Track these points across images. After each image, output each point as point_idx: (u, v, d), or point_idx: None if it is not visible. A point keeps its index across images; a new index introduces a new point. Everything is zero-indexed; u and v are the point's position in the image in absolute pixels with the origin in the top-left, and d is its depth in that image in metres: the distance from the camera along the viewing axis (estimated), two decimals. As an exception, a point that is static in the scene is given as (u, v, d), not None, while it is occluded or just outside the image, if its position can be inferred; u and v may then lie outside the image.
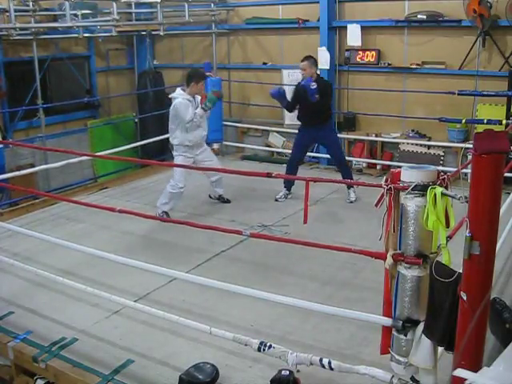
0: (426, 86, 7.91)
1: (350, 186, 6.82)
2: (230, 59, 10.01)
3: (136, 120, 10.31)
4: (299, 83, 6.68)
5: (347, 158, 8.46)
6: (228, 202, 6.87)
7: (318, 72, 6.88)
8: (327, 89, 6.60)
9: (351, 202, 6.77)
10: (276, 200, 6.87)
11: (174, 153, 6.42)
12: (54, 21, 8.76)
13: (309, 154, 7.81)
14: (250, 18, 9.49)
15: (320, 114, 6.64)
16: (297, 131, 7.10)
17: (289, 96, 6.86)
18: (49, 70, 9.15)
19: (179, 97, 6.15)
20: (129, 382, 3.39)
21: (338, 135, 8.59)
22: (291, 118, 8.12)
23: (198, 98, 6.27)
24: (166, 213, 6.25)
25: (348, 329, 3.85)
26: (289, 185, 6.95)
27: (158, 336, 3.85)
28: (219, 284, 3.51)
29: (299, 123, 6.98)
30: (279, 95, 6.71)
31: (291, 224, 5.97)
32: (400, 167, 2.69)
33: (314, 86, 6.28)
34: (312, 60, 6.60)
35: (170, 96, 6.38)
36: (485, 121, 6.91)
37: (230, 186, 7.01)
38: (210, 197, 6.97)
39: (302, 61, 6.58)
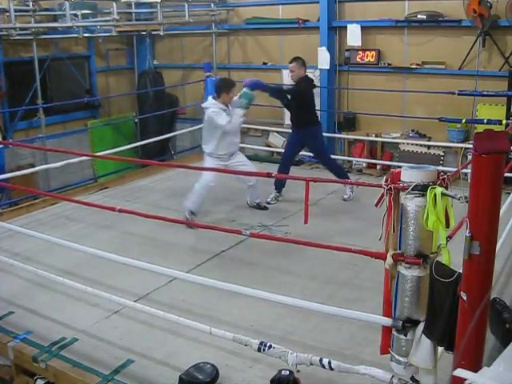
0: (426, 86, 7.91)
1: (276, 187, 6.82)
2: (230, 59, 10.02)
3: (136, 120, 10.31)
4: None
5: (347, 158, 8.51)
6: (265, 208, 6.62)
7: (307, 73, 6.87)
8: (299, 92, 6.56)
9: (345, 200, 6.80)
10: (268, 203, 6.74)
11: (206, 158, 6.30)
12: (53, 21, 8.77)
13: (309, 154, 7.81)
14: (249, 18, 9.50)
15: (299, 117, 6.69)
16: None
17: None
18: (49, 70, 9.16)
19: (211, 106, 6.03)
20: (129, 382, 3.39)
21: (338, 135, 8.66)
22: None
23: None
24: (193, 213, 6.06)
25: (348, 329, 3.85)
26: (279, 186, 6.83)
27: (158, 336, 3.85)
28: (219, 284, 3.51)
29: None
30: (257, 85, 6.53)
31: (291, 224, 5.97)
32: (400, 167, 2.69)
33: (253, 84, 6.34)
34: (301, 61, 6.60)
35: (202, 106, 6.29)
36: (485, 121, 6.90)
37: (230, 186, 7.00)
38: (248, 204, 6.68)
39: (291, 62, 6.59)
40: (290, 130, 7.09)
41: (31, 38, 8.32)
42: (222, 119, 5.94)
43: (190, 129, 9.42)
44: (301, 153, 7.49)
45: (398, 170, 2.68)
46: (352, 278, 4.72)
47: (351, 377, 3.12)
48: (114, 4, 8.28)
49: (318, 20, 8.57)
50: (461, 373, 1.95)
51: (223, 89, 6.05)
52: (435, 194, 2.47)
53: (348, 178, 6.79)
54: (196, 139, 10.08)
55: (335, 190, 7.11)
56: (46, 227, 5.98)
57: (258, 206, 6.63)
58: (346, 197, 6.84)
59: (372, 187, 3.02)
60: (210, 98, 6.18)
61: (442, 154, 7.90)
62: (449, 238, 2.65)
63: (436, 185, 2.52)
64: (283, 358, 3.02)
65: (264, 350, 3.08)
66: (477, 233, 2.22)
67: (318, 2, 8.48)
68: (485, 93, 7.21)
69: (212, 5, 9.56)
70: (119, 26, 8.94)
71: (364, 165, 8.44)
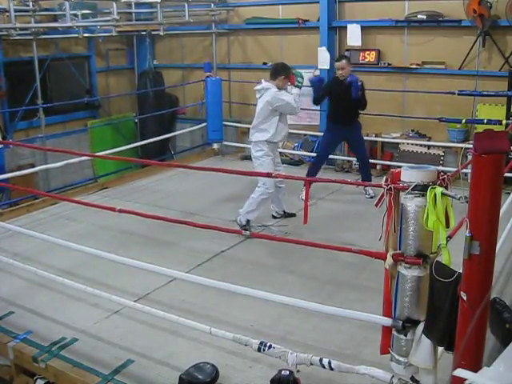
0: (426, 86, 7.92)
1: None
2: (230, 59, 10.02)
3: (136, 120, 10.31)
4: (335, 77, 6.84)
5: (347, 158, 8.50)
6: (293, 215, 6.22)
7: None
8: (364, 87, 6.75)
9: (371, 198, 6.65)
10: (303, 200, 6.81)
11: (257, 153, 5.80)
12: (53, 21, 8.77)
13: (309, 154, 7.81)
14: (249, 18, 9.50)
15: (355, 112, 6.82)
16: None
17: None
18: (49, 70, 9.16)
19: (271, 87, 5.64)
20: (129, 382, 3.39)
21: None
22: (292, 118, 8.11)
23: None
24: (248, 221, 5.73)
25: (348, 329, 3.85)
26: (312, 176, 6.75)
27: (158, 336, 3.85)
28: (219, 284, 3.51)
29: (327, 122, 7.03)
30: (319, 83, 6.77)
31: (291, 224, 5.96)
32: (400, 167, 2.69)
33: (360, 82, 6.50)
34: (348, 58, 6.83)
35: (255, 88, 5.81)
36: (485, 121, 6.91)
37: (230, 186, 7.01)
38: (275, 215, 6.27)
39: (339, 60, 6.71)
40: (326, 130, 7.06)
41: (31, 38, 8.32)
42: (289, 98, 5.61)
43: (190, 129, 9.43)
44: (301, 153, 7.49)
45: (398, 170, 2.68)
46: (352, 278, 4.72)
47: (351, 377, 3.12)
48: (114, 4, 8.28)
49: (318, 20, 8.58)
50: (461, 373, 1.95)
51: (283, 72, 5.67)
52: (435, 194, 2.47)
53: (370, 181, 6.76)
54: (196, 139, 10.10)
55: (335, 190, 7.11)
56: (46, 227, 5.98)
57: (287, 214, 6.25)
58: (371, 194, 6.72)
59: (372, 187, 3.02)
60: (263, 80, 5.79)
61: (442, 154, 7.90)
62: (449, 237, 2.65)
63: (436, 185, 2.52)
64: (283, 358, 3.03)
65: (264, 350, 3.08)
66: (477, 233, 2.22)
67: (317, 2, 8.48)
68: (485, 93, 7.21)
69: (212, 5, 9.56)
70: (119, 26, 8.94)
71: (364, 165, 8.43)
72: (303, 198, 6.83)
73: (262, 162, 5.78)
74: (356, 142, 7.04)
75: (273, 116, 5.70)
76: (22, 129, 8.83)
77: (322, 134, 8.71)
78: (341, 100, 6.68)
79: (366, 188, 6.86)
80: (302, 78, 5.87)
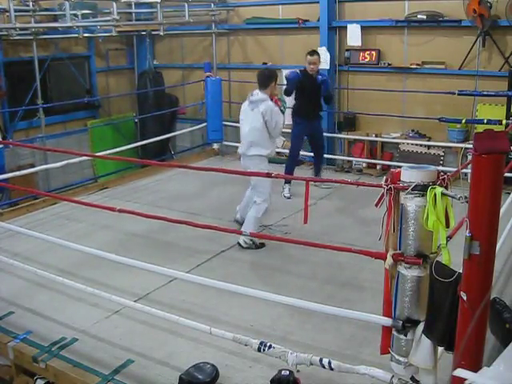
0: (426, 86, 7.92)
1: (287, 181, 6.96)
2: (230, 59, 10.02)
3: (136, 120, 10.31)
4: (303, 71, 6.84)
5: (347, 158, 8.52)
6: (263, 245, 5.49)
7: None
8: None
9: (289, 198, 6.87)
10: (288, 198, 6.88)
11: (258, 166, 5.33)
12: (54, 21, 8.77)
13: (309, 153, 7.82)
14: (249, 18, 9.50)
15: (320, 106, 7.10)
16: None
17: None
18: (49, 70, 9.16)
19: (267, 99, 5.32)
20: (129, 382, 3.39)
21: (338, 135, 8.70)
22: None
23: None
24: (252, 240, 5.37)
25: (348, 329, 3.85)
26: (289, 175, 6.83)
27: (158, 336, 3.85)
28: (219, 284, 3.51)
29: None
30: (295, 79, 6.86)
31: (291, 224, 5.96)
32: (400, 167, 2.69)
33: (329, 80, 6.74)
34: (319, 55, 6.95)
35: (253, 99, 5.39)
36: (485, 121, 6.90)
37: (230, 186, 7.01)
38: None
39: (312, 55, 6.79)
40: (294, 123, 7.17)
41: (31, 38, 8.32)
42: (280, 122, 5.37)
43: (190, 129, 9.42)
44: (301, 153, 7.50)
45: (398, 170, 2.68)
46: (352, 278, 4.72)
47: (351, 377, 3.12)
48: (114, 4, 8.28)
49: (318, 20, 8.58)
50: (461, 373, 1.95)
51: (272, 78, 5.39)
52: (435, 194, 2.47)
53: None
54: (196, 139, 10.10)
55: (335, 190, 7.11)
56: (46, 227, 5.98)
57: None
58: (286, 195, 6.93)
59: (372, 187, 3.02)
60: (256, 91, 5.41)
61: (442, 153, 7.90)
62: (449, 237, 2.65)
63: (436, 185, 2.52)
64: (283, 358, 3.02)
65: (264, 350, 3.08)
66: (477, 233, 2.22)
67: (317, 2, 8.49)
68: (485, 93, 7.21)
69: (212, 5, 9.56)
70: (119, 26, 8.94)
71: (364, 165, 8.44)
72: (286, 195, 6.90)
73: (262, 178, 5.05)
74: (319, 135, 7.30)
75: (266, 129, 5.33)
76: (22, 129, 8.84)
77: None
78: (311, 95, 6.88)
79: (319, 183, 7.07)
80: (285, 103, 5.71)
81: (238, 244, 5.38)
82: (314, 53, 6.85)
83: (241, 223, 5.63)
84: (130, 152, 8.66)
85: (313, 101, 6.93)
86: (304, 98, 6.93)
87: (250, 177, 5.47)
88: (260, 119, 5.29)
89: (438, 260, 2.56)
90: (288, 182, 7.00)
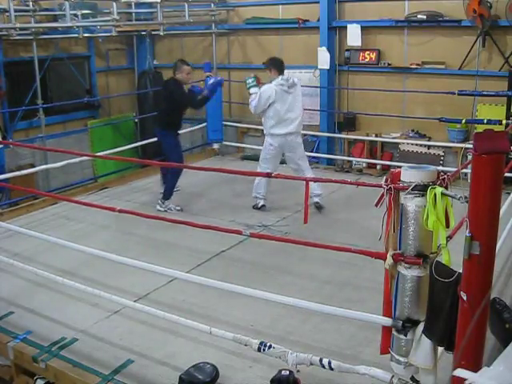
0: (426, 86, 7.92)
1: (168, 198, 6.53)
2: (230, 59, 10.01)
3: (136, 120, 10.31)
4: (175, 80, 6.58)
5: (347, 158, 8.52)
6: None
7: None
8: None
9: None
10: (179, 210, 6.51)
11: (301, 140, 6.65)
12: (54, 21, 8.76)
13: (308, 153, 7.81)
14: (249, 18, 9.49)
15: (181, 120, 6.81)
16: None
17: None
18: (49, 70, 9.15)
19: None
20: (129, 382, 3.39)
21: (338, 135, 8.68)
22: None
23: None
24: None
25: (348, 329, 3.85)
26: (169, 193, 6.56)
27: (158, 336, 3.85)
28: (219, 284, 3.51)
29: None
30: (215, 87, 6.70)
31: (291, 224, 5.97)
32: (400, 167, 2.69)
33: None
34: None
35: (290, 84, 6.38)
36: (485, 121, 6.91)
37: (230, 186, 7.01)
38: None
39: (188, 64, 6.64)
40: (164, 134, 6.67)
41: (31, 38, 8.31)
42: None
43: (190, 129, 9.41)
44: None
45: (398, 170, 2.68)
46: (352, 278, 4.72)
47: (351, 377, 3.12)
48: (114, 4, 8.28)
49: (318, 20, 8.57)
50: (461, 373, 1.95)
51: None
52: (435, 194, 2.47)
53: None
54: (196, 139, 10.10)
55: (335, 190, 7.11)
56: (46, 227, 5.98)
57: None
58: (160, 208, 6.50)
59: (372, 187, 3.02)
60: (285, 76, 6.43)
61: (442, 153, 7.90)
62: (449, 237, 2.65)
63: (436, 185, 2.52)
64: (283, 358, 3.02)
65: (264, 350, 3.08)
66: (477, 233, 2.21)
67: (317, 2, 8.48)
68: (485, 93, 7.22)
69: (212, 5, 9.55)
70: (119, 26, 8.93)
71: (364, 165, 8.44)
72: (177, 208, 6.51)
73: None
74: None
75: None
76: (22, 129, 8.82)
77: (321, 133, 8.75)
78: (182, 106, 6.62)
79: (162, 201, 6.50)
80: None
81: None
82: (187, 62, 6.72)
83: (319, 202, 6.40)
84: (130, 152, 8.66)
85: (182, 112, 6.72)
86: (177, 109, 6.61)
87: (294, 157, 6.39)
88: (301, 98, 6.36)
89: (438, 260, 2.56)
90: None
